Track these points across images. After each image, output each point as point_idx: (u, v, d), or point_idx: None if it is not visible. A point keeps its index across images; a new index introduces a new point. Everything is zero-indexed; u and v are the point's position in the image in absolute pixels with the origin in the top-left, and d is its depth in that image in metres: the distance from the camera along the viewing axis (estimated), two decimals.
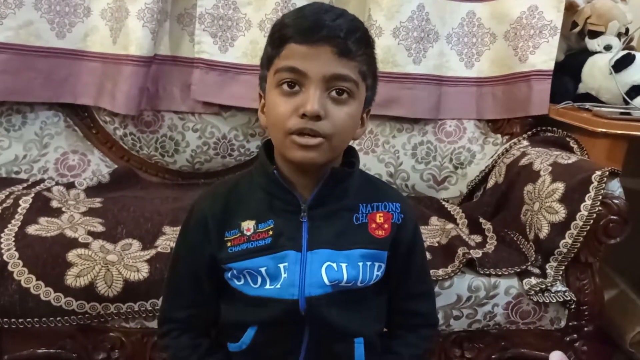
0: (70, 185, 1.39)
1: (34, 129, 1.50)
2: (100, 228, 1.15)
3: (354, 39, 0.71)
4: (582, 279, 1.15)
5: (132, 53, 1.42)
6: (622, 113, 1.31)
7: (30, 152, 1.48)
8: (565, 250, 1.11)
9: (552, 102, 1.48)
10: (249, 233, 0.77)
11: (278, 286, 0.75)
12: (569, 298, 1.11)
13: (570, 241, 1.10)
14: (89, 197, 1.33)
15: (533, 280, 1.10)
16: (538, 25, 1.49)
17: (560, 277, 1.13)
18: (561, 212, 1.11)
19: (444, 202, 1.49)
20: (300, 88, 0.71)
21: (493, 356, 1.17)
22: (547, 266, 1.13)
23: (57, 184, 1.40)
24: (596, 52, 1.49)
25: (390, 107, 1.53)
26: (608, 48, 1.48)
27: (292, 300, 0.75)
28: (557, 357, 0.83)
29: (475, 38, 1.58)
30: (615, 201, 1.09)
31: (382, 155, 1.58)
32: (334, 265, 0.76)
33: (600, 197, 1.08)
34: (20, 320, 1.01)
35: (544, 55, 1.48)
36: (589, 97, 1.48)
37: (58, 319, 1.01)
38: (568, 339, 1.17)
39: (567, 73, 1.51)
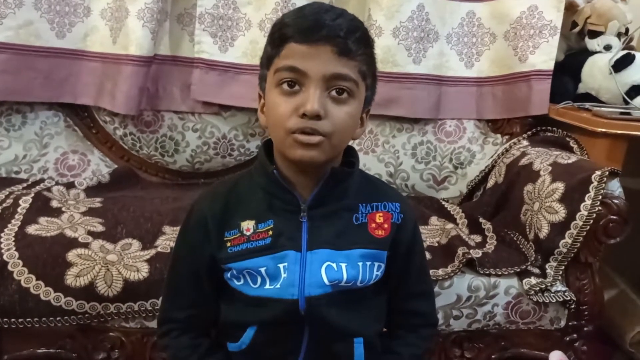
0: (70, 185, 1.39)
1: (34, 129, 1.50)
2: (100, 228, 1.15)
3: (353, 39, 0.71)
4: (582, 278, 1.15)
5: (132, 53, 1.42)
6: (622, 113, 1.31)
7: (30, 152, 1.48)
8: (565, 250, 1.11)
9: (552, 102, 1.48)
10: (248, 233, 0.77)
11: (278, 286, 0.75)
12: (568, 298, 1.11)
13: (570, 241, 1.10)
14: (89, 197, 1.33)
15: (533, 280, 1.10)
16: (538, 25, 1.49)
17: (560, 277, 1.13)
18: (561, 212, 1.11)
19: (443, 202, 1.49)
20: (300, 87, 0.71)
21: (493, 356, 1.17)
22: (547, 266, 1.13)
23: (57, 183, 1.40)
24: (596, 52, 1.49)
25: (390, 107, 1.53)
26: (608, 48, 1.48)
27: (292, 300, 0.75)
28: (557, 357, 0.84)
29: (475, 38, 1.58)
30: (615, 201, 1.09)
31: (382, 155, 1.58)
32: (334, 265, 0.76)
33: (600, 197, 1.08)
34: (20, 320, 1.01)
35: (544, 55, 1.48)
36: (588, 97, 1.48)
37: (58, 318, 1.01)
38: (568, 338, 1.17)
39: (567, 73, 1.51)
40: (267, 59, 0.75)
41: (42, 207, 1.22)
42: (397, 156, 1.58)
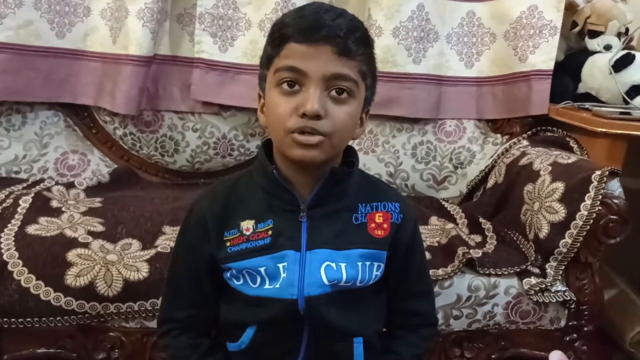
0: (70, 185, 1.39)
1: (34, 129, 1.50)
2: (100, 228, 1.15)
3: (353, 39, 0.71)
4: (582, 278, 1.15)
5: (132, 53, 1.42)
6: (622, 113, 1.31)
7: (30, 152, 1.48)
8: (565, 250, 1.11)
9: (552, 101, 1.48)
10: (248, 233, 0.77)
11: (277, 286, 0.75)
12: (568, 298, 1.11)
13: (570, 241, 1.10)
14: (89, 197, 1.33)
15: (533, 280, 1.10)
16: (538, 25, 1.49)
17: (560, 277, 1.13)
18: (561, 212, 1.11)
19: (443, 202, 1.49)
20: (300, 87, 0.71)
21: (493, 356, 1.17)
22: (546, 266, 1.13)
23: (57, 183, 1.40)
24: (596, 52, 1.49)
25: (390, 107, 1.53)
26: (608, 48, 1.48)
27: (291, 300, 0.75)
28: (557, 357, 0.84)
29: (475, 38, 1.58)
30: (615, 201, 1.09)
31: (382, 155, 1.58)
32: (333, 265, 0.76)
33: (600, 196, 1.08)
34: (20, 320, 1.01)
35: (544, 55, 1.48)
36: (588, 97, 1.48)
37: (58, 318, 1.01)
38: (568, 338, 1.17)
39: (567, 73, 1.51)
40: (267, 59, 0.75)
41: (42, 207, 1.22)
42: (397, 156, 1.58)
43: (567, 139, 1.39)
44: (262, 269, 0.76)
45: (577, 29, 1.52)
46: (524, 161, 1.32)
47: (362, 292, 0.79)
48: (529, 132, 1.51)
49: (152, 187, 1.50)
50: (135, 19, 1.41)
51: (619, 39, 1.49)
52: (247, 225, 0.77)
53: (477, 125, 1.59)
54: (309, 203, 0.77)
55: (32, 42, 1.42)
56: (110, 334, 1.06)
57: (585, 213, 1.08)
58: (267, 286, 0.76)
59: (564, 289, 1.12)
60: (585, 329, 1.16)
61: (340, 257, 0.77)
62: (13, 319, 1.01)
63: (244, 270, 0.77)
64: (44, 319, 1.01)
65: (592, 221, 1.08)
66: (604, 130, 1.24)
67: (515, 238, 1.22)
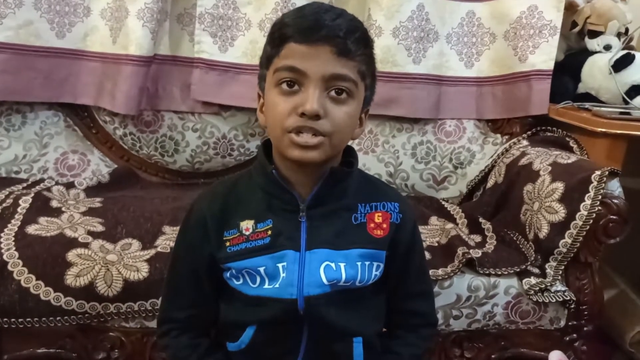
0: (70, 185, 1.39)
1: (34, 129, 1.50)
2: (100, 228, 1.15)
3: (353, 39, 0.71)
4: (581, 278, 1.15)
5: (132, 53, 1.42)
6: (621, 113, 1.31)
7: (30, 152, 1.48)
8: (564, 250, 1.11)
9: (552, 101, 1.48)
10: (247, 233, 0.77)
11: (277, 286, 0.75)
12: (568, 298, 1.11)
13: (569, 241, 1.10)
14: (89, 197, 1.33)
15: (533, 280, 1.10)
16: (538, 25, 1.49)
17: (559, 277, 1.13)
18: (561, 212, 1.11)
19: (443, 202, 1.49)
20: (299, 87, 0.71)
21: (493, 356, 1.17)
22: (546, 266, 1.13)
23: (57, 183, 1.40)
24: (596, 52, 1.49)
25: (390, 107, 1.53)
26: (608, 48, 1.48)
27: (291, 300, 0.75)
28: (557, 357, 0.84)
29: (475, 38, 1.58)
30: (615, 201, 1.09)
31: (381, 155, 1.58)
32: (333, 265, 0.76)
33: (600, 196, 1.08)
34: (20, 320, 1.01)
35: (544, 55, 1.48)
36: (588, 97, 1.48)
37: (58, 318, 1.02)
38: (568, 338, 1.17)
39: (566, 73, 1.51)
40: (267, 59, 0.75)
41: (42, 207, 1.22)
42: (397, 156, 1.58)
43: (567, 139, 1.39)
44: (261, 269, 0.76)
45: (577, 29, 1.52)
46: (523, 161, 1.32)
47: (361, 292, 0.79)
48: (529, 132, 1.51)
49: (152, 187, 1.50)
50: (135, 19, 1.41)
51: (619, 39, 1.49)
52: (247, 225, 0.77)
53: (477, 125, 1.59)
54: (309, 203, 0.77)
55: (32, 42, 1.42)
56: (110, 334, 1.06)
57: (585, 213, 1.08)
58: (266, 286, 0.76)
59: (563, 289, 1.12)
60: (585, 329, 1.16)
61: (340, 257, 0.77)
62: (13, 319, 1.01)
63: (243, 270, 0.77)
64: (44, 319, 1.01)
65: (591, 221, 1.08)
66: (603, 130, 1.24)
67: (515, 238, 1.22)
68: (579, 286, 1.14)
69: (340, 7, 0.77)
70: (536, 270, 1.14)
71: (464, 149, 1.57)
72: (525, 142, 1.45)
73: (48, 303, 1.00)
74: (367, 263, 0.78)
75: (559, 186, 1.14)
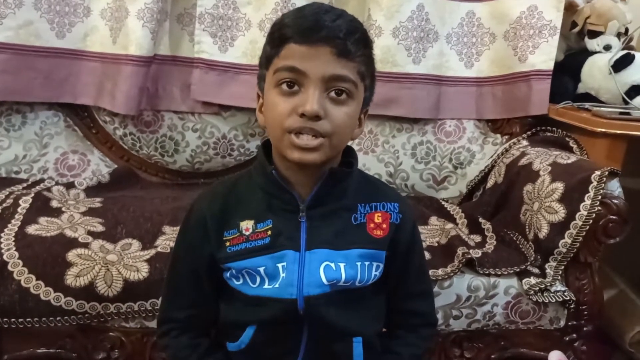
0: (70, 185, 1.39)
1: (34, 129, 1.50)
2: (100, 228, 1.15)
3: (353, 40, 0.71)
4: (581, 278, 1.15)
5: (132, 53, 1.42)
6: (621, 113, 1.31)
7: (30, 152, 1.48)
8: (564, 250, 1.11)
9: (552, 102, 1.48)
10: (247, 233, 0.77)
11: (277, 286, 0.76)
12: (568, 298, 1.11)
13: (569, 241, 1.10)
14: (89, 197, 1.33)
15: (532, 280, 1.10)
16: (537, 25, 1.49)
17: (559, 277, 1.13)
18: (560, 212, 1.11)
19: (443, 202, 1.50)
20: (299, 88, 0.71)
21: (492, 356, 1.18)
22: (546, 266, 1.13)
23: (57, 183, 1.40)
24: (596, 52, 1.49)
25: (390, 107, 1.53)
26: (607, 48, 1.48)
27: (291, 300, 0.75)
28: (557, 357, 0.84)
29: (475, 38, 1.58)
30: (615, 201, 1.09)
31: (381, 155, 1.58)
32: (332, 265, 0.76)
33: (600, 197, 1.08)
34: (20, 320, 1.01)
35: (544, 55, 1.48)
36: (588, 97, 1.48)
37: (58, 318, 1.02)
38: (567, 338, 1.17)
39: (566, 73, 1.51)
40: (267, 59, 0.75)
41: (42, 207, 1.22)
42: (396, 156, 1.58)
43: (567, 139, 1.39)
44: (261, 269, 0.76)
45: (577, 29, 1.52)
46: (523, 161, 1.32)
47: (361, 292, 0.79)
48: (529, 132, 1.51)
49: (152, 187, 1.50)
50: (135, 19, 1.41)
51: (619, 39, 1.49)
52: (247, 225, 0.77)
53: (476, 125, 1.60)
54: (308, 203, 0.77)
55: (32, 42, 1.42)
56: (110, 334, 1.06)
57: (585, 213, 1.08)
58: (266, 286, 0.76)
59: (563, 289, 1.12)
60: (584, 329, 1.16)
61: (340, 257, 0.77)
62: (13, 319, 1.01)
63: (243, 270, 0.77)
64: (44, 319, 1.01)
65: (591, 221, 1.08)
66: (603, 130, 1.24)
67: (514, 238, 1.22)
68: (579, 286, 1.14)
69: (340, 7, 0.77)
70: (536, 271, 1.14)
71: (464, 149, 1.57)
72: (525, 142, 1.45)
73: (48, 303, 1.00)
74: (366, 263, 0.78)
75: (559, 186, 1.14)
